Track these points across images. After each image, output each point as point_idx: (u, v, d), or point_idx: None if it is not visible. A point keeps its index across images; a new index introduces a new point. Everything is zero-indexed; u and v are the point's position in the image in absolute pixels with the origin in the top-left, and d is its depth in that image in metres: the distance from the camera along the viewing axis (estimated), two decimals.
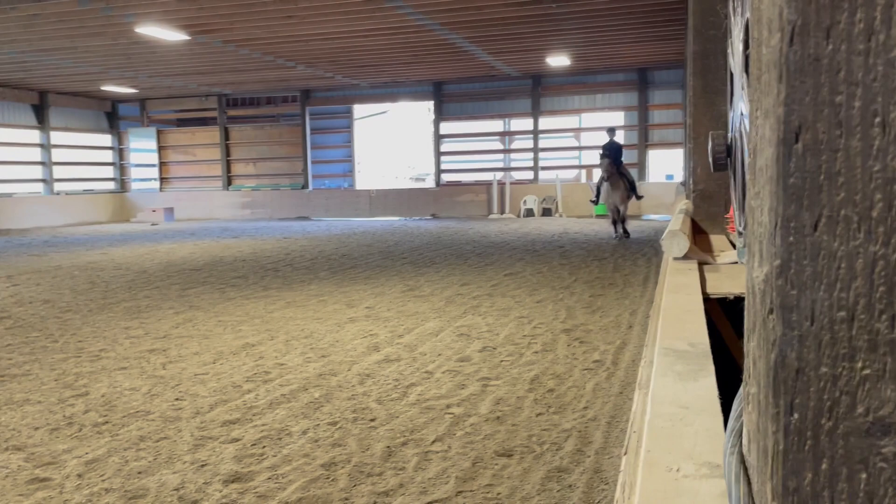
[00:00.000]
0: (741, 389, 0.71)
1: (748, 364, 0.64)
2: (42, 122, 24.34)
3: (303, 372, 5.21)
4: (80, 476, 3.41)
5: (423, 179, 37.49)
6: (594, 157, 24.16)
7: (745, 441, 0.66)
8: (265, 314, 7.54)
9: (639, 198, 14.71)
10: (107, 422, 4.20)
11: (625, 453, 0.94)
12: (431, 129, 25.40)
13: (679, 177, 20.49)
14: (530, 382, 4.82)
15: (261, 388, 4.84)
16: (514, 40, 17.07)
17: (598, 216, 21.64)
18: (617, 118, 23.52)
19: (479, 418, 4.12)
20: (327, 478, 3.34)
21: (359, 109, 26.88)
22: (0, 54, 17.12)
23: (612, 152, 14.15)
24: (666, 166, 23.42)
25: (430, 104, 25.29)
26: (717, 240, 3.66)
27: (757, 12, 0.61)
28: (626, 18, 15.07)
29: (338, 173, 26.47)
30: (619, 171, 14.12)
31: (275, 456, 3.62)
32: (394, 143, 40.73)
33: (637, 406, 1.03)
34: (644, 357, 1.35)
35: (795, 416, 0.53)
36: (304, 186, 25.75)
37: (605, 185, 14.26)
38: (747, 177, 0.65)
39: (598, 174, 24.27)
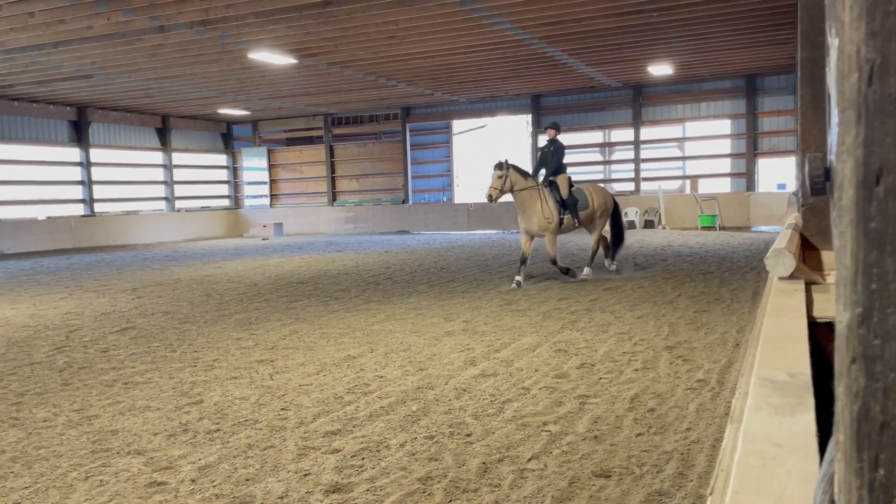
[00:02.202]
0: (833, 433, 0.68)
1: (837, 409, 0.62)
2: (164, 143, 26.08)
3: (401, 385, 5.30)
4: (193, 481, 3.61)
5: None
6: (700, 167, 23.35)
7: (835, 489, 0.64)
8: (366, 327, 7.74)
9: (578, 224, 10.69)
10: (219, 429, 4.43)
11: (710, 493, 0.92)
12: (529, 141, 25.33)
13: (792, 186, 19.46)
14: (630, 401, 4.70)
15: (361, 399, 4.97)
16: (614, 51, 16.80)
17: (704, 227, 20.86)
18: (723, 127, 22.66)
19: (577, 437, 4.07)
20: (424, 492, 3.39)
21: (458, 125, 27.20)
22: (128, 82, 18.50)
23: (550, 156, 10.80)
24: (777, 175, 22.31)
25: (529, 117, 25.25)
26: (828, 256, 3.46)
27: (840, 44, 0.59)
28: (733, 24, 14.52)
29: (437, 188, 26.85)
30: (550, 182, 10.63)
31: (373, 468, 3.71)
32: (492, 156, 40.90)
33: (727, 442, 1.00)
34: (738, 387, 1.30)
35: (881, 472, 0.51)
36: (405, 201, 26.27)
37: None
38: (832, 214, 0.63)
39: (704, 186, 23.52)
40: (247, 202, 29.08)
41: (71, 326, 8.39)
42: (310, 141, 28.53)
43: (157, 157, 26.03)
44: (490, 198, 10.24)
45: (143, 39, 13.77)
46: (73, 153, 23.03)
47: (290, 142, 29.28)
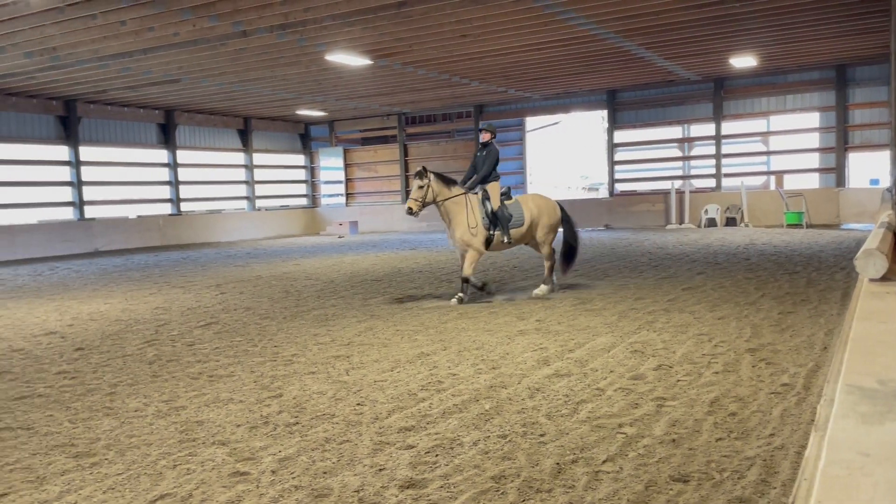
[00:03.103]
0: None
1: None
2: (246, 144, 26.97)
3: (474, 383, 5.32)
4: (273, 472, 3.73)
5: (597, 189, 36.84)
6: (785, 162, 22.42)
7: None
8: (439, 324, 7.79)
9: (509, 243, 9.33)
10: (297, 423, 4.56)
11: (792, 502, 0.89)
12: (605, 137, 24.92)
13: (886, 181, 18.44)
14: (710, 405, 4.58)
15: (434, 397, 5.02)
16: (694, 43, 16.32)
17: (790, 225, 20.03)
18: (811, 120, 21.67)
19: (654, 440, 3.99)
20: (497, 490, 3.40)
21: (531, 121, 27.01)
22: (212, 85, 19.22)
23: (482, 161, 9.54)
24: (870, 170, 21.17)
25: (604, 113, 24.83)
26: None
27: None
28: (821, 13, 13.87)
29: (510, 185, 26.75)
30: (483, 191, 9.36)
31: (447, 465, 3.74)
32: (566, 153, 40.43)
33: (811, 450, 0.96)
34: (824, 394, 1.26)
35: None
36: None
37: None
38: None
39: (789, 182, 22.51)
40: (323, 201, 29.75)
41: (160, 321, 8.80)
42: (384, 140, 28.93)
43: (239, 157, 26.94)
44: (410, 211, 9.02)
45: (226, 44, 14.28)
46: (162, 154, 24.11)
47: (366, 141, 29.75)
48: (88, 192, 21.77)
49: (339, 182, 29.11)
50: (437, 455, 3.89)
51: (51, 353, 7.12)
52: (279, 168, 28.72)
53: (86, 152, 21.69)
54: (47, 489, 3.63)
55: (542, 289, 9.53)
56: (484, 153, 9.53)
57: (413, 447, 4.02)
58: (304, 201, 29.83)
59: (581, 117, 29.91)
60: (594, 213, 24.12)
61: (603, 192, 28.93)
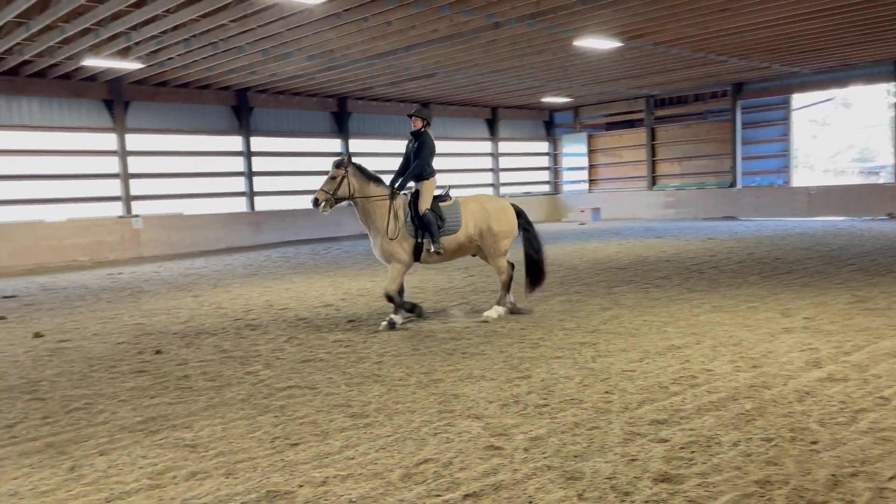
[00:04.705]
0: None
1: None
2: (493, 134, 27.88)
3: (731, 381, 5.01)
4: (526, 450, 3.85)
5: (877, 174, 32.33)
6: None
7: None
8: (690, 317, 7.44)
9: (437, 252, 7.61)
10: (546, 404, 4.65)
11: None
12: (891, 114, 21.77)
13: None
14: None
15: (687, 391, 4.81)
16: None
17: None
18: None
19: None
20: (762, 496, 3.18)
21: (797, 99, 24.45)
22: (464, 78, 20.12)
23: (413, 154, 7.81)
24: None
25: (891, 86, 21.69)
26: None
27: None
28: None
29: (771, 170, 24.51)
30: (411, 196, 7.79)
31: (704, 463, 3.57)
32: (839, 133, 36.03)
33: None
34: None
35: None
36: (732, 184, 24.48)
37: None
38: None
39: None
40: (565, 187, 29.76)
41: (415, 299, 9.47)
42: (630, 124, 28.13)
43: (486, 146, 27.92)
44: (316, 203, 7.47)
45: (479, 37, 14.84)
46: None
47: (610, 126, 29.17)
48: None
49: (582, 168, 28.90)
50: (692, 452, 3.73)
51: (328, 322, 8.02)
52: (523, 156, 29.28)
53: (354, 144, 23.94)
54: (330, 443, 4.11)
55: (496, 310, 7.82)
56: (416, 145, 7.81)
57: (666, 441, 3.90)
58: (546, 188, 30.11)
59: (860, 92, 26.45)
60: (874, 200, 21.25)
61: (886, 177, 25.37)
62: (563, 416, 4.41)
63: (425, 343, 6.72)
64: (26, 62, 15.94)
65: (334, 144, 23.58)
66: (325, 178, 7.60)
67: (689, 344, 6.22)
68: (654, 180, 26.93)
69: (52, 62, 15.57)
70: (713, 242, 15.71)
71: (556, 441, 3.97)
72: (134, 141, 19.26)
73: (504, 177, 28.40)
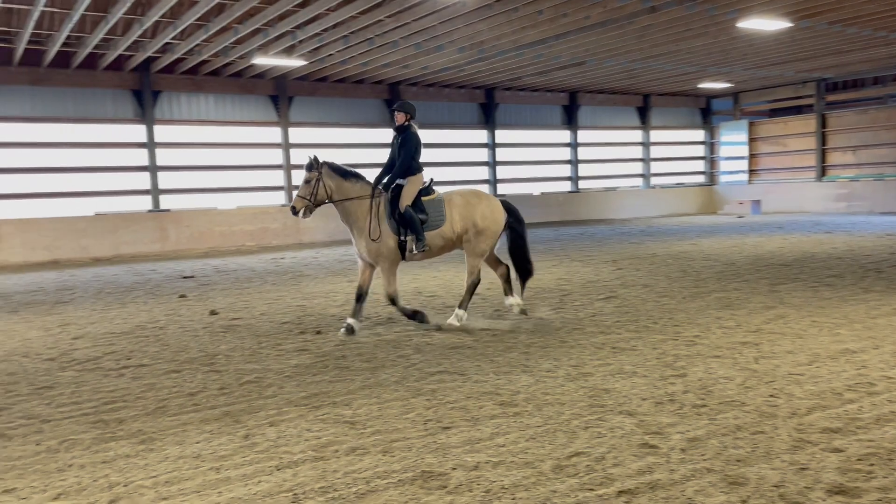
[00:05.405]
0: None
1: None
2: (644, 122, 26.92)
3: None
4: (683, 451, 3.71)
5: None
6: None
7: None
8: (867, 319, 6.82)
9: (421, 248, 7.14)
10: (704, 405, 4.45)
11: None
12: None
13: None
14: None
15: (865, 399, 4.43)
16: None
17: None
18: None
19: None
20: None
21: None
22: (615, 65, 19.56)
23: (398, 150, 7.36)
24: None
25: None
26: None
27: None
28: None
29: None
30: (392, 195, 7.28)
31: (885, 477, 3.28)
32: None
33: None
34: None
35: None
36: None
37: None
38: None
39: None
40: (722, 178, 28.20)
41: (563, 291, 9.38)
42: (797, 111, 26.15)
43: (637, 135, 27.02)
44: (294, 211, 7.13)
45: (633, 22, 14.36)
46: (564, 135, 25.44)
47: (774, 112, 27.26)
48: (500, 172, 24.09)
49: (742, 158, 27.22)
50: (871, 464, 3.43)
51: (474, 310, 8.13)
52: (676, 145, 28.05)
53: (500, 135, 24.01)
54: (480, 429, 4.17)
55: (458, 314, 7.34)
56: (400, 140, 7.41)
57: (841, 451, 3.61)
58: (700, 178, 28.69)
59: None
60: None
61: None
62: (724, 417, 4.20)
63: (573, 336, 6.64)
64: (204, 62, 17.39)
65: (481, 135, 23.78)
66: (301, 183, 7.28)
67: (865, 348, 5.71)
68: (823, 171, 24.87)
69: (227, 61, 16.86)
70: (893, 239, 14.29)
71: (716, 443, 3.79)
72: (296, 134, 20.48)
73: (655, 167, 27.37)
